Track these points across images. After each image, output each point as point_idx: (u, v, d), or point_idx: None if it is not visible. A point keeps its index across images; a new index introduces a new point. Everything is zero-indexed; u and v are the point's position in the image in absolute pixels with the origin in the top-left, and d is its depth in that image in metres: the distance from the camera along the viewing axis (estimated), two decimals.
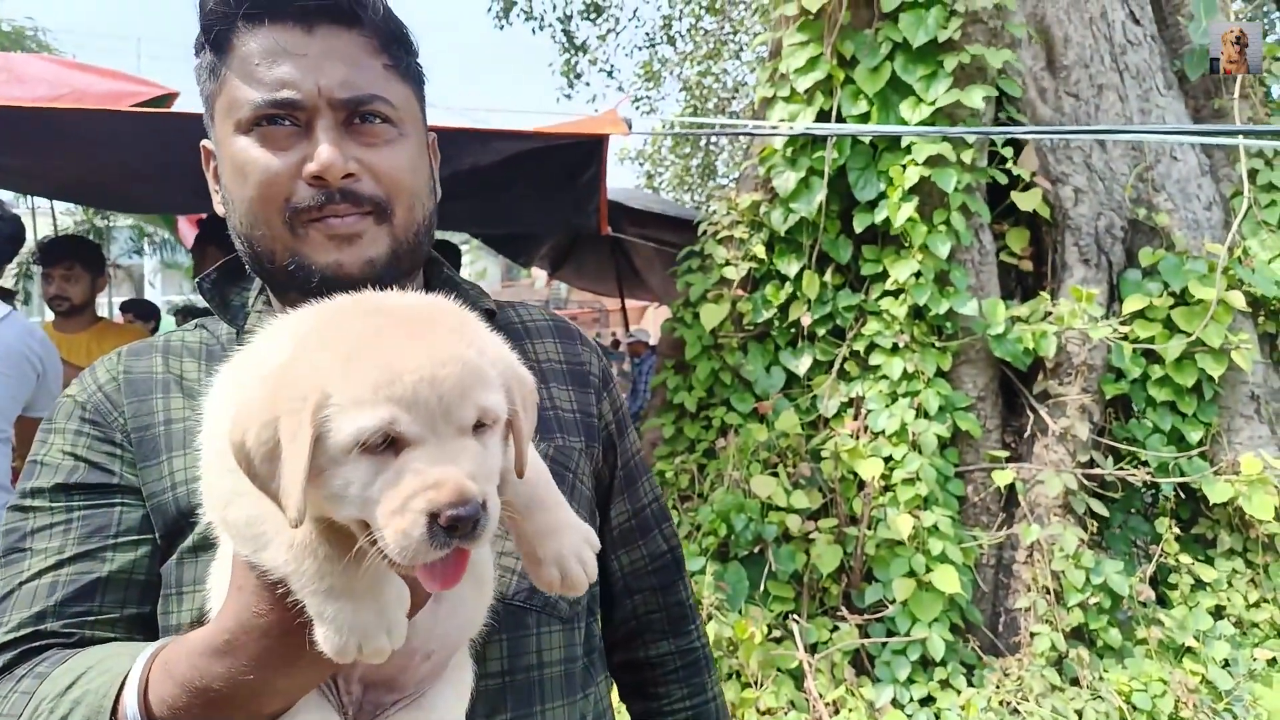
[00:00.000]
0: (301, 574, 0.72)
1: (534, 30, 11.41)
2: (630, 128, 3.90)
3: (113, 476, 1.00)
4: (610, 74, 15.21)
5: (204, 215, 4.90)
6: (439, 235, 1.26)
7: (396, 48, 1.07)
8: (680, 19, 15.46)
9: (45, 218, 6.83)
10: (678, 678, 1.32)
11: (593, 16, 12.28)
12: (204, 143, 1.13)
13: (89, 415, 1.04)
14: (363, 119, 1.02)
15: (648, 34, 16.08)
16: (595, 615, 1.23)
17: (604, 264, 8.76)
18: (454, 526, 0.65)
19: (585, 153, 4.51)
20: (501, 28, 11.39)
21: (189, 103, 4.05)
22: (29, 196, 5.95)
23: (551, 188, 4.74)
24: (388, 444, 0.68)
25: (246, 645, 0.76)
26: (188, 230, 6.75)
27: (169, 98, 4.03)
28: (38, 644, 0.92)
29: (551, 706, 1.06)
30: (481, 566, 0.92)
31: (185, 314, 7.73)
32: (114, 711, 0.80)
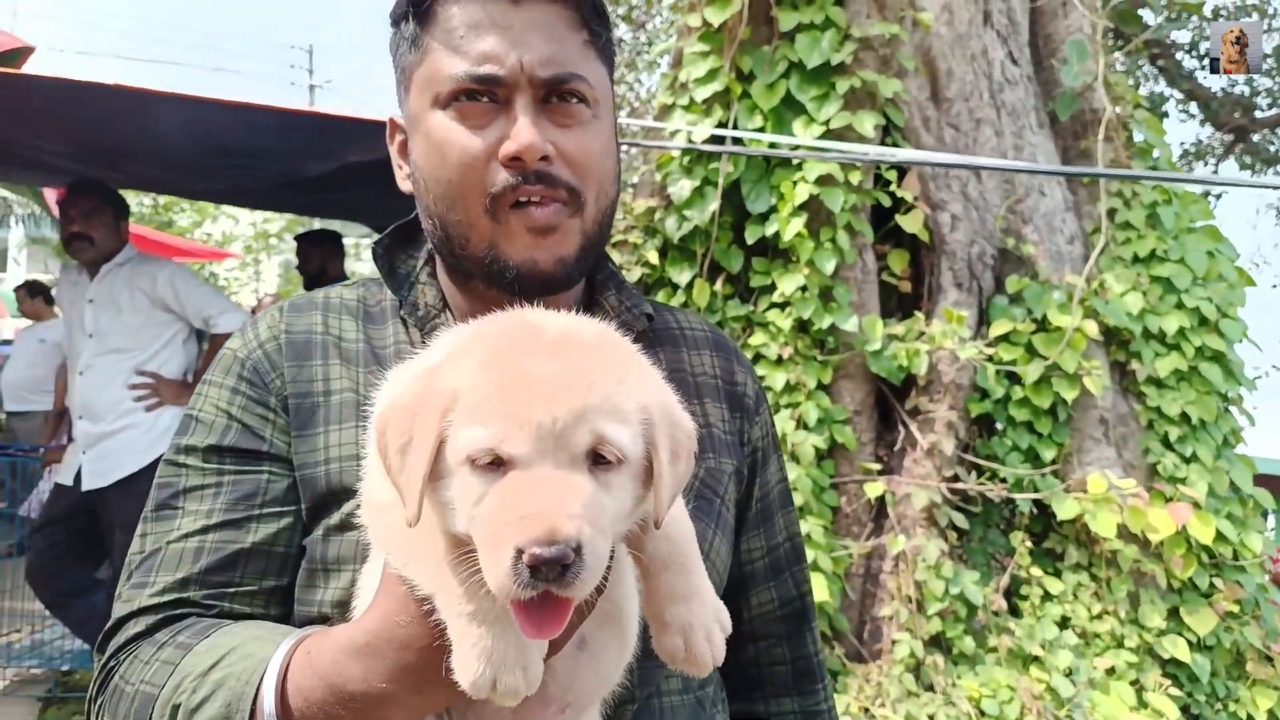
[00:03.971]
0: (447, 593, 0.69)
1: None
2: None
3: (263, 443, 1.00)
4: None
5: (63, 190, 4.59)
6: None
7: (597, 22, 1.03)
8: None
9: None
10: None
11: None
12: (391, 116, 1.11)
13: (247, 374, 1.03)
14: (560, 98, 0.98)
15: None
16: None
17: None
18: (537, 568, 0.59)
19: None
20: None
21: (45, 60, 3.79)
22: None
23: None
24: (498, 462, 0.64)
25: (385, 652, 0.75)
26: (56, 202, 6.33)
27: (23, 52, 3.76)
28: (179, 611, 0.92)
29: None
30: (625, 618, 0.84)
31: (28, 289, 7.28)
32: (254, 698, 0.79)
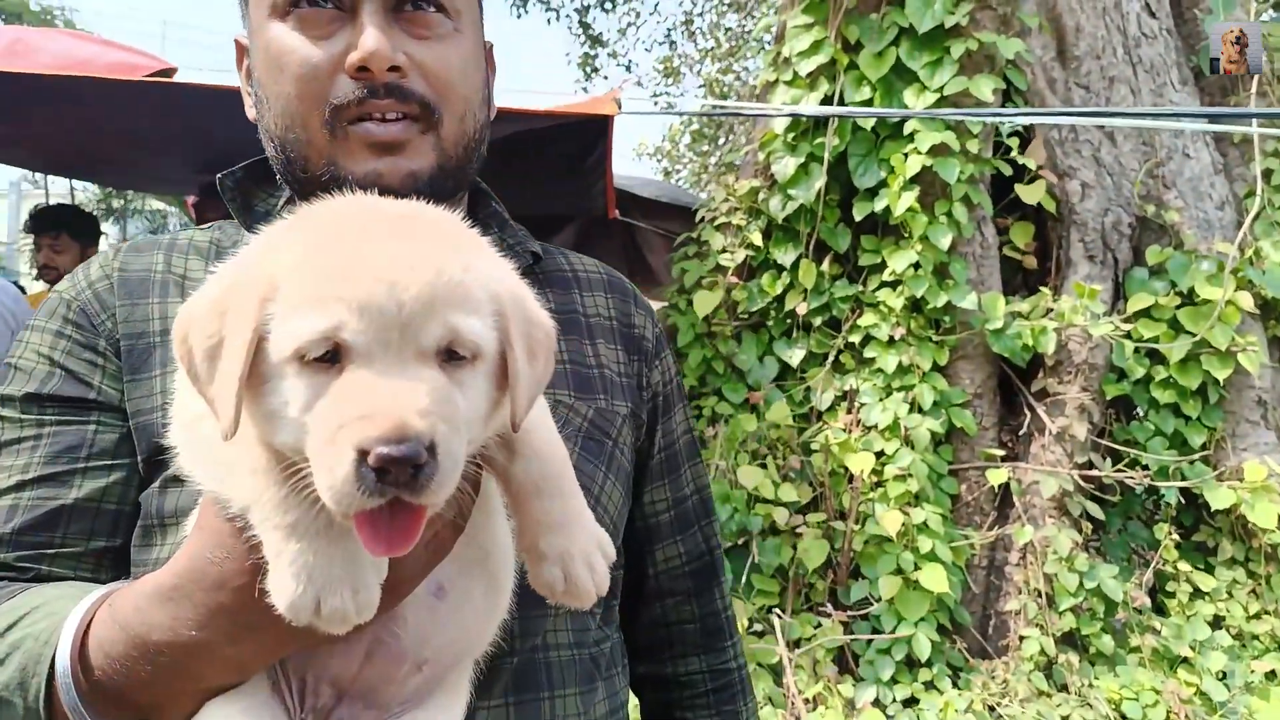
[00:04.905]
0: (262, 505, 0.60)
1: (549, 20, 11.40)
2: (620, 106, 3.84)
3: (90, 390, 0.90)
4: (628, 68, 15.16)
5: (196, 198, 4.91)
6: None
7: None
8: (702, 15, 15.39)
9: (63, 197, 6.87)
10: (707, 702, 1.15)
11: (608, 7, 12.22)
12: (236, 37, 1.01)
13: (73, 316, 0.93)
14: (414, 5, 0.91)
15: (668, 29, 16.03)
16: (616, 596, 1.08)
17: (615, 258, 8.69)
18: (385, 470, 0.52)
19: (590, 136, 4.45)
20: (519, 16, 11.38)
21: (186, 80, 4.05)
22: (46, 175, 6.02)
23: (558, 171, 4.68)
24: (333, 358, 0.56)
25: (193, 594, 0.66)
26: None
27: (167, 74, 4.01)
28: None
29: (563, 693, 0.93)
30: (495, 564, 0.76)
31: None
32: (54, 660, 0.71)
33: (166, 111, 3.89)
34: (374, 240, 0.58)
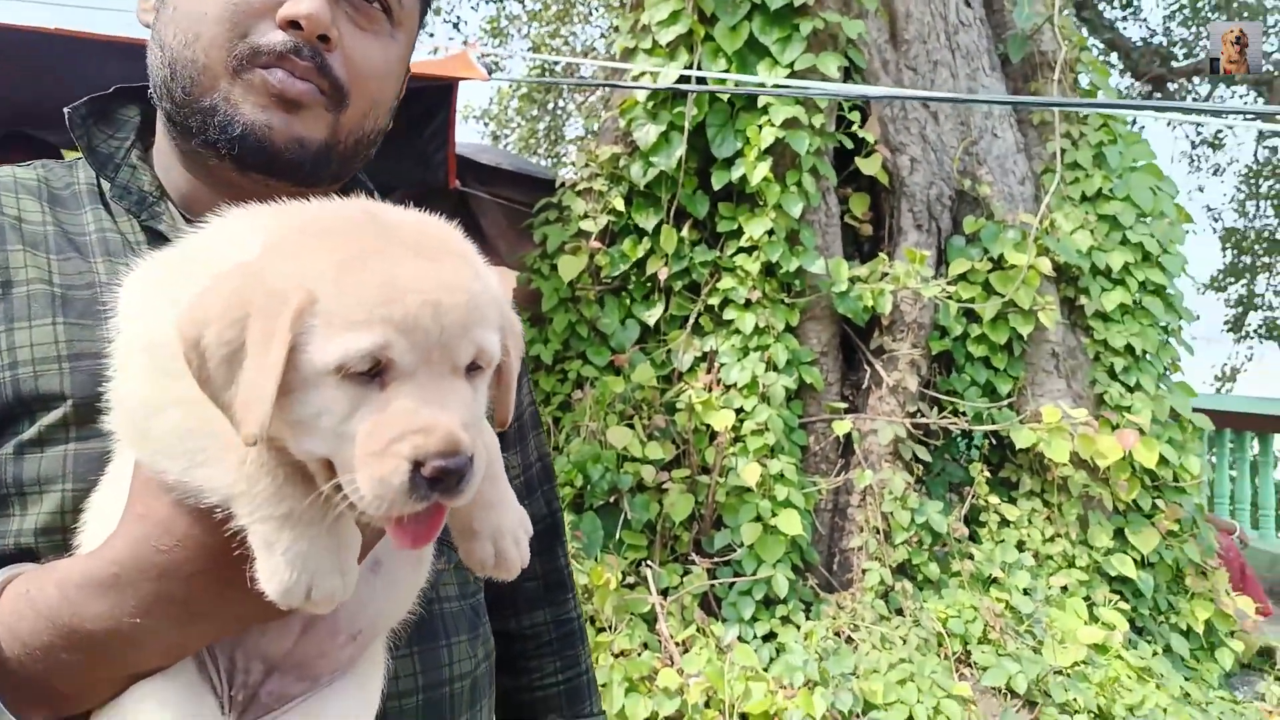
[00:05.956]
0: (254, 495, 0.61)
1: None
2: (490, 74, 3.77)
3: None
4: (456, 25, 14.65)
5: None
6: None
7: None
8: None
9: None
10: (552, 650, 1.22)
11: None
12: None
13: None
14: None
15: None
16: None
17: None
18: (438, 479, 0.57)
19: (432, 102, 4.29)
20: None
21: None
22: None
23: (394, 138, 4.48)
24: (373, 372, 0.59)
25: (139, 584, 0.65)
26: None
27: None
28: None
29: (458, 640, 0.99)
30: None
31: None
32: None
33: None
34: (401, 260, 0.61)
